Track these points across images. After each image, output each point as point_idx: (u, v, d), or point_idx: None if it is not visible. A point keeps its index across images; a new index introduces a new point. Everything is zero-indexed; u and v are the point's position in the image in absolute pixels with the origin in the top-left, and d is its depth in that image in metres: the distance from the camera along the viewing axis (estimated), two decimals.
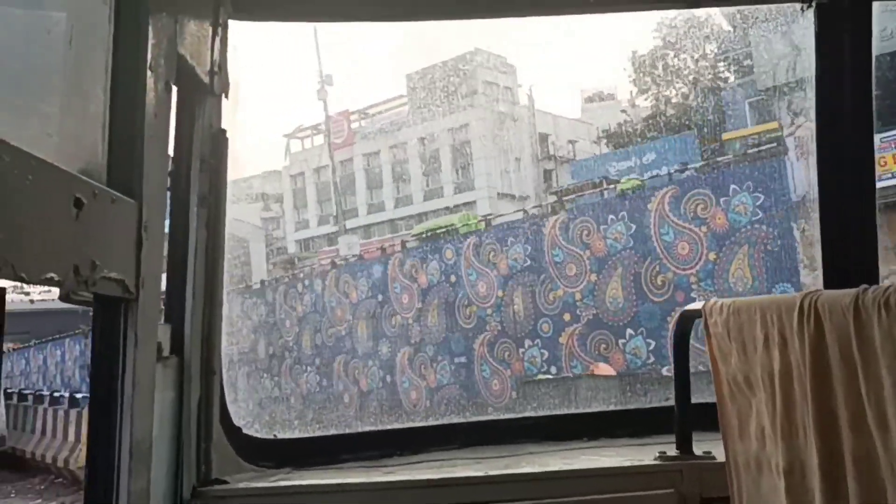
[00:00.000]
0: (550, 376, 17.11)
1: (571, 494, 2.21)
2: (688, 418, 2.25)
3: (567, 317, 17.31)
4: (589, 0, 2.65)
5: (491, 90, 35.91)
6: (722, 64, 28.93)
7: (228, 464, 2.27)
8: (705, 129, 24.92)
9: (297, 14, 2.49)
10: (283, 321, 22.80)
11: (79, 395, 16.33)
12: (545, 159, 36.18)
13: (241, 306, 23.12)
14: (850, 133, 2.40)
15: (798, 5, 2.45)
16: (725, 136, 23.88)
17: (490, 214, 24.78)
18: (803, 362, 1.75)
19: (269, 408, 21.55)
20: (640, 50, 33.18)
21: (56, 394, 17.59)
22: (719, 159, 19.45)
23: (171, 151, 2.04)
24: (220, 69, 2.19)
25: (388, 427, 2.89)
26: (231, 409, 2.31)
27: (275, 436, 2.51)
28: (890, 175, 13.68)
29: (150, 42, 1.68)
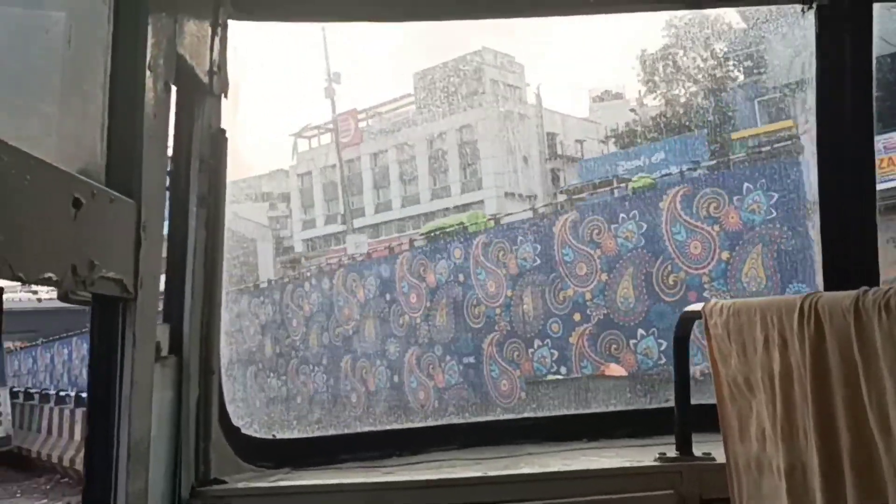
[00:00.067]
0: (560, 377, 17.00)
1: (571, 495, 2.20)
2: (688, 419, 2.25)
3: (577, 317, 17.18)
4: (589, 0, 2.64)
5: (498, 89, 35.90)
6: (732, 62, 28.81)
7: (227, 464, 2.27)
8: (716, 128, 24.82)
9: (298, 14, 2.48)
10: (291, 320, 22.83)
11: (85, 395, 16.27)
12: (553, 158, 36.13)
13: (249, 305, 23.17)
14: (850, 133, 2.40)
15: (798, 6, 2.44)
16: (735, 135, 23.79)
17: (498, 214, 24.73)
18: (803, 364, 1.74)
19: (273, 407, 21.59)
20: (650, 49, 33.07)
21: (62, 393, 17.56)
22: (732, 157, 19.30)
23: (170, 151, 2.04)
24: (219, 69, 2.19)
25: (388, 427, 2.88)
26: (230, 408, 2.31)
27: (273, 436, 2.51)
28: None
29: (150, 42, 1.68)
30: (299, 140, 42.52)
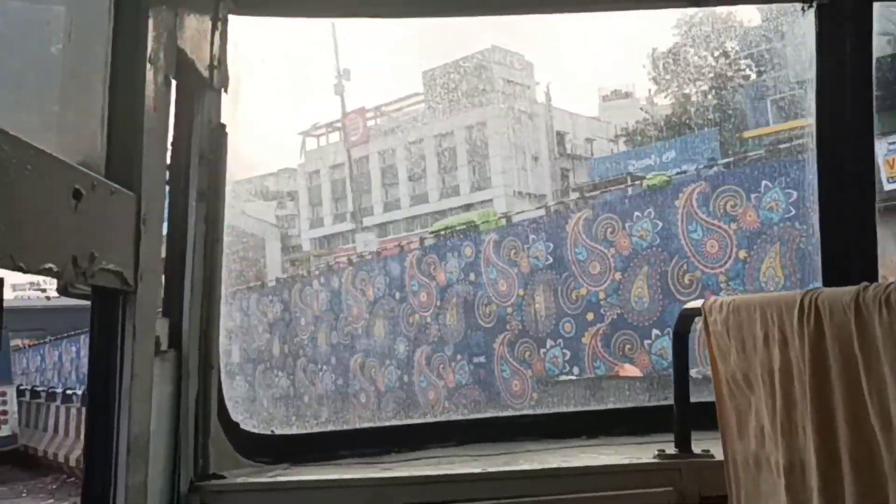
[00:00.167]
0: (573, 377, 16.84)
1: (570, 492, 2.20)
2: (687, 417, 2.24)
3: (590, 316, 16.96)
4: None
5: (507, 88, 35.82)
6: (744, 61, 28.63)
7: (226, 459, 2.27)
8: (728, 126, 24.66)
9: (298, 10, 2.49)
10: (299, 319, 22.84)
11: None
12: (562, 157, 36.04)
13: (258, 304, 23.21)
14: (850, 133, 2.39)
15: (799, 5, 2.43)
16: (747, 133, 23.62)
17: (509, 212, 24.65)
18: (803, 360, 1.73)
19: (280, 406, 21.61)
20: (660, 47, 32.92)
21: (68, 391, 17.51)
22: (749, 155, 19.08)
23: (170, 145, 2.05)
24: (219, 64, 2.19)
25: (387, 423, 2.89)
26: (229, 404, 2.31)
27: (272, 431, 2.51)
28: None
29: (150, 35, 1.68)
30: (308, 138, 42.66)
